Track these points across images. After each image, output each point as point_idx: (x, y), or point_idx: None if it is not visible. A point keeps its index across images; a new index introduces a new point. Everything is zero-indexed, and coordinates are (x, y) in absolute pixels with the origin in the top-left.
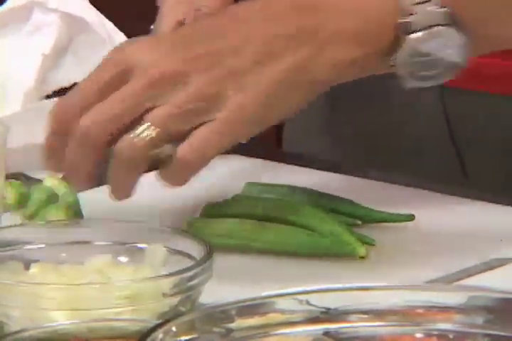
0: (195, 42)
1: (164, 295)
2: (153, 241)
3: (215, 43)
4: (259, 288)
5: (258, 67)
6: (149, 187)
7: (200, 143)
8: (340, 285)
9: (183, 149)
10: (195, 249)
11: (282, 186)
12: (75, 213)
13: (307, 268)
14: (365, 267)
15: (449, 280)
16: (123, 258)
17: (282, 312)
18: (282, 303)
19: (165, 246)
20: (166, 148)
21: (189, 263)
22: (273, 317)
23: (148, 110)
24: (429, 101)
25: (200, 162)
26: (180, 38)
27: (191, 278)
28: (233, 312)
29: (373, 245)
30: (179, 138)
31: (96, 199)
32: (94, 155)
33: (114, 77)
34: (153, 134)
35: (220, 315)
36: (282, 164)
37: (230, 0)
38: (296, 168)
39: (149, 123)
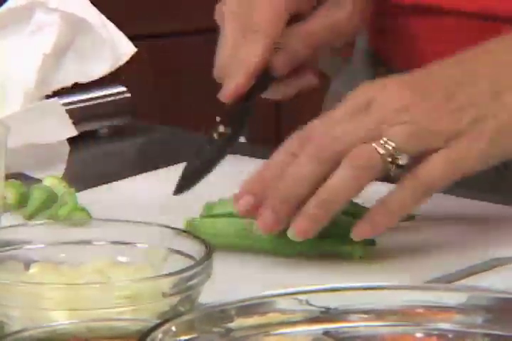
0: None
1: (164, 294)
2: (153, 241)
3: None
4: (259, 287)
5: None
6: (149, 187)
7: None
8: (340, 285)
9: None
10: (195, 249)
11: None
12: (86, 213)
13: (307, 268)
14: (365, 267)
15: (448, 280)
16: (123, 258)
17: (282, 311)
18: (282, 303)
19: (165, 246)
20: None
21: (189, 263)
22: (273, 317)
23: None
24: None
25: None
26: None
27: (191, 278)
28: (233, 311)
29: (373, 245)
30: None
31: (95, 199)
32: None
33: (362, 106)
34: (391, 147)
35: (219, 314)
36: None
37: (282, 17)
38: None
39: (386, 139)
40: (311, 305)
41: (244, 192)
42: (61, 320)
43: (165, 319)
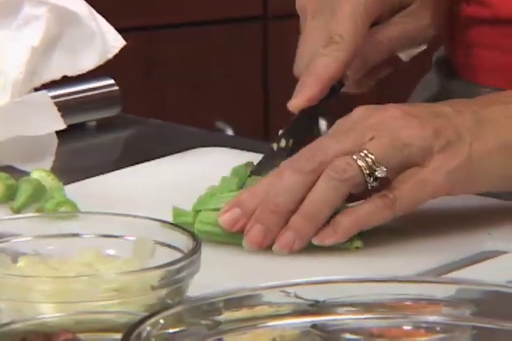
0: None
1: (152, 287)
2: (141, 234)
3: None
4: (247, 280)
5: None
6: (138, 180)
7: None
8: (328, 278)
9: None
10: (183, 242)
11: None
12: (74, 207)
13: (296, 261)
14: (353, 259)
15: (438, 273)
16: (111, 251)
17: (270, 304)
18: (270, 296)
19: (153, 239)
20: None
21: (177, 255)
22: (261, 310)
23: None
24: None
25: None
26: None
27: (179, 271)
28: (221, 304)
29: (366, 236)
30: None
31: (83, 192)
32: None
33: (350, 125)
34: (370, 159)
35: (207, 307)
36: None
37: (364, 30)
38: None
39: (366, 151)
40: (299, 298)
41: (231, 206)
42: (49, 312)
43: (153, 312)
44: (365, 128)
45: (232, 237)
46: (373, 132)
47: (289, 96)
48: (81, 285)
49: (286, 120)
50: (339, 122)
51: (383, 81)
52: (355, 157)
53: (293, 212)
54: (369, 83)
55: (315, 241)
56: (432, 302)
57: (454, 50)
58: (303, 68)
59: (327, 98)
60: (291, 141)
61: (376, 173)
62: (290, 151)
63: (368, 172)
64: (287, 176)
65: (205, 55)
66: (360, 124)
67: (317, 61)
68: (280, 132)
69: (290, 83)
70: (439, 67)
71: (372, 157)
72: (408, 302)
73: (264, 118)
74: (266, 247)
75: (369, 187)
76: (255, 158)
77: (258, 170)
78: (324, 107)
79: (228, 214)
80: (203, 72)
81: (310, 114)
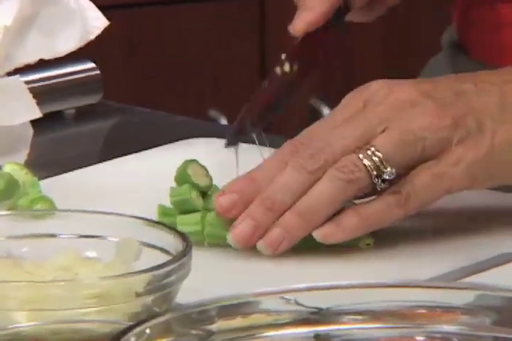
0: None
1: (137, 294)
2: (125, 234)
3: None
4: (243, 285)
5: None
6: (120, 174)
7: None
8: (332, 283)
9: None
10: (172, 243)
11: None
12: (50, 204)
13: (297, 264)
14: (360, 262)
15: (454, 277)
16: (91, 253)
17: (268, 312)
18: (268, 303)
19: (138, 240)
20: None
21: (165, 258)
22: (258, 318)
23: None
24: None
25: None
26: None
27: (167, 275)
28: (213, 312)
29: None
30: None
31: (60, 188)
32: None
33: (358, 108)
34: (378, 159)
35: (198, 315)
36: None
37: None
38: None
39: (373, 149)
40: (300, 305)
41: (229, 191)
42: (23, 321)
43: (138, 321)
44: (376, 117)
45: None
46: (384, 123)
47: None
48: (58, 291)
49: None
50: (350, 97)
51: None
52: (361, 155)
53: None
54: (378, 10)
55: (317, 237)
56: (448, 310)
57: (467, 30)
58: None
59: (331, 22)
60: (295, 65)
61: (384, 175)
62: (295, 77)
63: (375, 173)
64: (289, 172)
65: (197, 36)
66: (370, 110)
67: None
68: (283, 56)
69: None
70: (451, 49)
71: (380, 155)
72: (421, 310)
73: None
74: (251, 244)
75: (378, 189)
76: (252, 150)
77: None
78: (329, 33)
79: (225, 197)
80: (195, 54)
81: (314, 39)
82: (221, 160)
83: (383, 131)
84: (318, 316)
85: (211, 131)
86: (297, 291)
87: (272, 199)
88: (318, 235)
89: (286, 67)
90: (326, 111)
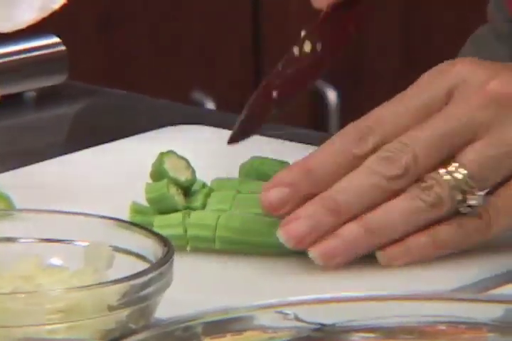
0: None
1: (110, 307)
2: (95, 238)
3: None
4: (234, 298)
5: None
6: (89, 168)
7: None
8: (338, 295)
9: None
10: (150, 248)
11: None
12: (7, 203)
13: (297, 273)
14: (372, 270)
15: (481, 288)
16: (56, 260)
17: (263, 329)
18: (263, 318)
19: (110, 244)
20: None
21: (142, 265)
22: (251, 336)
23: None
24: None
25: None
26: None
27: (145, 286)
28: (199, 329)
29: None
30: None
31: (19, 184)
32: None
33: (440, 98)
34: (461, 176)
35: (182, 333)
36: (264, 137)
37: None
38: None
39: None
40: (300, 320)
41: (279, 183)
42: None
43: (111, 339)
44: (468, 117)
45: (265, 244)
46: (471, 134)
47: None
48: (18, 304)
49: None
50: (429, 78)
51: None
52: (448, 177)
53: (354, 217)
54: None
55: (381, 259)
56: (473, 326)
57: None
58: None
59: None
60: (319, 44)
61: (471, 201)
62: (319, 59)
63: (460, 198)
64: (361, 174)
65: (178, 7)
66: (460, 105)
67: None
68: (303, 33)
69: (287, 42)
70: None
71: (466, 174)
72: (442, 327)
73: (254, 88)
74: (303, 245)
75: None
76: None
77: (267, 88)
78: (359, 7)
79: (275, 191)
80: (175, 27)
81: (341, 15)
82: (207, 151)
83: (472, 141)
84: (322, 333)
85: (195, 116)
86: (297, 304)
87: (336, 202)
88: (383, 257)
89: (307, 47)
90: (331, 94)
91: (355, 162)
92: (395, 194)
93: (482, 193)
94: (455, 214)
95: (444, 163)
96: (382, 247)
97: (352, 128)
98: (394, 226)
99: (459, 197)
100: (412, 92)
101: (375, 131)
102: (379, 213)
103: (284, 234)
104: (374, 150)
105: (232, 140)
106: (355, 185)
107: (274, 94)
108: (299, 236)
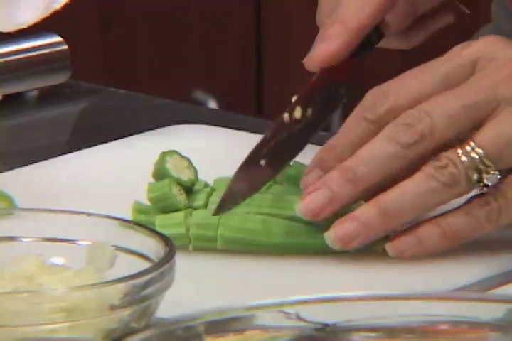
0: None
1: (112, 307)
2: (97, 237)
3: None
4: (235, 297)
5: None
6: (91, 167)
7: None
8: (340, 294)
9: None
10: (152, 247)
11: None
12: (9, 201)
13: (299, 272)
14: (375, 269)
15: (483, 288)
16: (58, 260)
17: (265, 329)
18: (265, 317)
19: (112, 244)
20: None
21: (144, 265)
22: (253, 336)
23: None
24: None
25: None
26: None
27: (147, 285)
28: (201, 329)
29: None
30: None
31: (21, 183)
32: None
33: (458, 70)
34: (477, 156)
35: (183, 332)
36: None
37: None
38: None
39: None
40: (302, 319)
41: (313, 165)
42: None
43: (113, 338)
44: (488, 98)
45: (266, 244)
46: (492, 108)
47: (287, 66)
48: (20, 303)
49: (280, 92)
50: (452, 57)
51: (435, 36)
52: (460, 151)
53: (372, 188)
54: (419, 36)
55: (391, 251)
56: (476, 325)
57: None
58: (327, 14)
59: (359, 53)
60: (309, 110)
61: (486, 181)
62: (309, 125)
63: (476, 178)
64: (377, 142)
65: (180, 6)
66: (484, 79)
67: (345, 4)
68: (294, 98)
69: (289, 41)
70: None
71: (482, 152)
72: (444, 326)
73: (256, 87)
74: (320, 218)
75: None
76: (245, 138)
77: (255, 157)
78: (352, 66)
79: (311, 175)
80: (177, 27)
81: (335, 75)
82: (209, 150)
83: (493, 111)
84: (324, 333)
85: (197, 115)
86: (299, 303)
87: (354, 171)
88: (393, 249)
89: (298, 113)
90: None
91: (374, 129)
92: (411, 170)
93: (497, 172)
94: (466, 202)
95: (461, 141)
96: (392, 239)
97: (369, 95)
98: (407, 209)
99: (475, 176)
100: (438, 62)
101: (389, 96)
102: (392, 194)
103: (301, 209)
104: (392, 117)
105: (219, 210)
106: (370, 153)
107: (262, 162)
108: (315, 209)
